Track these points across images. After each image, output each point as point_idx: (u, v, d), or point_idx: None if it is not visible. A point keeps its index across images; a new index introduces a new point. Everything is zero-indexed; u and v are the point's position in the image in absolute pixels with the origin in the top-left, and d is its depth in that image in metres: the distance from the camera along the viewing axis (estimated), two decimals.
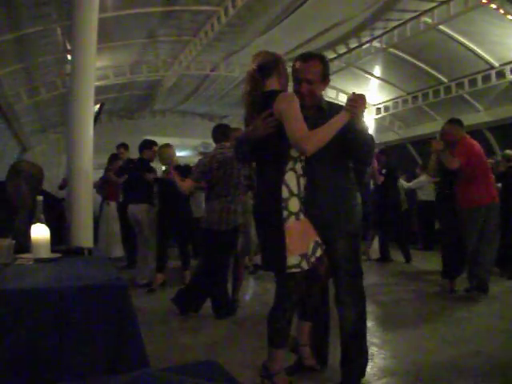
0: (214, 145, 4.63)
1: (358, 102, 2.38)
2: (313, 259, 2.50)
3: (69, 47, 5.82)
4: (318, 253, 2.52)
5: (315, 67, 2.57)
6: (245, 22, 6.81)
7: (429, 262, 7.87)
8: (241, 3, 6.01)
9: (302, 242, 2.45)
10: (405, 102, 9.53)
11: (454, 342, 3.58)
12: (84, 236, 3.58)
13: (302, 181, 2.50)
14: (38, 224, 2.23)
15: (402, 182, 9.10)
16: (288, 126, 2.33)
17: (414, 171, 9.62)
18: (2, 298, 1.56)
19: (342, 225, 2.63)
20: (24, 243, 2.28)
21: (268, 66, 2.50)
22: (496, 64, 7.43)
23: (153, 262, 5.74)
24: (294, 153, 2.45)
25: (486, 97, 8.31)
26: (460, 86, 8.18)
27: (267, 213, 2.49)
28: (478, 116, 8.65)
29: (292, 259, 2.42)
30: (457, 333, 3.80)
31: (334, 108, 2.63)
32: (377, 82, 9.40)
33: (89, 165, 3.69)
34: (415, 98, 9.23)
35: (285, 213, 2.42)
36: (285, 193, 2.43)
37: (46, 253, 2.23)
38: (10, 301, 1.56)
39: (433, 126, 9.71)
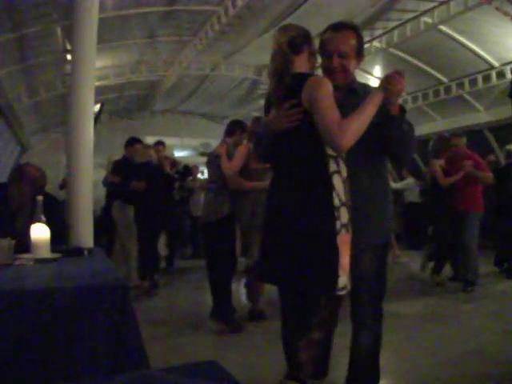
0: (213, 145, 4.65)
1: (395, 80, 2.02)
2: None
3: (69, 47, 5.83)
4: None
5: (349, 38, 2.17)
6: (245, 22, 6.81)
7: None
8: (241, 3, 6.01)
9: (348, 259, 2.08)
10: (405, 102, 9.51)
11: (454, 341, 3.57)
12: (84, 236, 3.58)
13: (347, 186, 2.08)
14: (38, 224, 2.23)
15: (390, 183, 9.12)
16: (321, 118, 1.95)
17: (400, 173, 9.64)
18: (2, 297, 1.55)
19: (373, 233, 2.24)
20: (24, 243, 2.28)
21: (300, 40, 2.10)
22: (496, 64, 7.43)
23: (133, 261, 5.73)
24: (331, 151, 2.04)
25: (486, 97, 8.31)
26: (460, 86, 8.18)
27: (316, 224, 2.04)
28: (478, 116, 8.65)
29: (343, 279, 2.04)
30: (457, 333, 3.80)
31: (369, 91, 2.22)
32: (377, 82, 9.39)
33: (89, 165, 3.69)
34: (415, 98, 9.22)
35: (337, 224, 2.02)
36: (336, 201, 2.02)
37: (46, 253, 2.23)
38: (10, 301, 1.56)
39: (433, 125, 9.71)
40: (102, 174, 7.44)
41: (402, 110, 2.12)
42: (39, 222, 2.23)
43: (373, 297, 2.29)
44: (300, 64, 2.10)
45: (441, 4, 6.28)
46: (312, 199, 2.04)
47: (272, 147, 2.18)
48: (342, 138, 1.90)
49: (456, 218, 5.29)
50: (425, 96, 8.98)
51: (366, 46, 7.76)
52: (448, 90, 8.44)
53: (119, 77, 8.63)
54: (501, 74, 7.44)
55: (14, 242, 2.19)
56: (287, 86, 2.05)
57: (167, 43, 8.04)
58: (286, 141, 2.11)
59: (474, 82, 7.90)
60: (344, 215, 2.04)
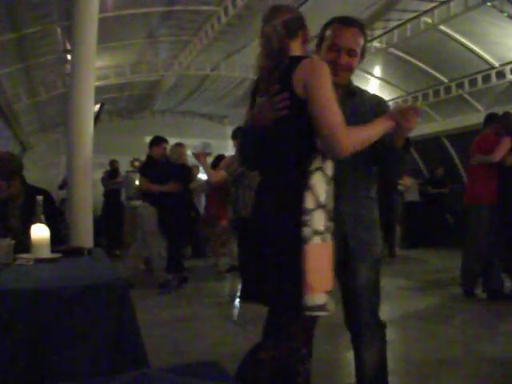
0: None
1: (411, 118, 1.76)
2: None
3: (69, 47, 5.83)
4: None
5: (359, 37, 1.99)
6: (245, 22, 6.81)
7: (422, 261, 7.94)
8: (241, 3, 6.01)
9: (329, 274, 1.74)
10: (405, 102, 9.52)
11: (454, 342, 3.57)
12: (84, 236, 3.59)
13: (331, 187, 1.77)
14: (38, 224, 2.23)
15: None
16: (324, 113, 1.65)
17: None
18: (2, 297, 1.55)
19: (368, 247, 2.09)
20: (21, 241, 2.27)
21: (295, 24, 1.80)
22: (496, 64, 7.43)
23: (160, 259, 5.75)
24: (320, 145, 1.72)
25: (486, 97, 8.31)
26: (460, 86, 8.18)
27: (279, 230, 1.72)
28: (478, 116, 8.64)
29: (316, 298, 1.68)
30: (457, 333, 3.80)
31: (367, 96, 2.11)
32: (377, 81, 9.40)
33: (89, 165, 3.69)
34: (415, 98, 9.23)
35: (307, 230, 1.67)
36: (310, 202, 1.69)
37: (46, 253, 2.23)
38: (10, 301, 1.56)
39: (433, 126, 9.71)
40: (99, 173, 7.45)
41: (408, 143, 1.95)
42: (39, 222, 2.23)
43: (371, 310, 2.14)
44: (294, 51, 1.81)
45: (441, 4, 6.28)
46: (281, 201, 1.73)
47: (256, 145, 1.82)
48: (346, 143, 1.64)
49: None
50: (425, 96, 8.98)
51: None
52: (448, 90, 8.44)
53: (119, 77, 8.62)
54: (501, 74, 7.44)
55: (13, 241, 2.20)
56: (282, 71, 1.74)
57: (167, 43, 8.04)
58: (270, 135, 1.77)
59: (473, 82, 7.90)
60: (319, 220, 1.70)
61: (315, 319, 1.81)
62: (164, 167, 5.76)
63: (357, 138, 1.69)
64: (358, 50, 1.99)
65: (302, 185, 1.70)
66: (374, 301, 2.15)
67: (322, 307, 1.70)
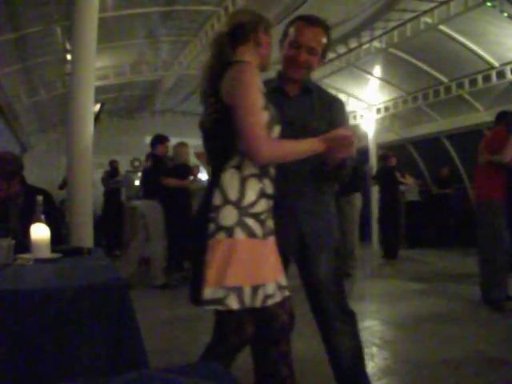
0: None
1: (343, 145, 1.78)
2: (260, 302, 1.75)
3: (69, 47, 5.84)
4: (278, 297, 1.80)
5: (322, 36, 2.04)
6: None
7: (422, 261, 7.93)
8: (241, 3, 6.01)
9: (236, 271, 1.71)
10: (405, 102, 9.53)
11: (454, 341, 3.57)
12: (84, 236, 3.59)
13: (254, 184, 1.77)
14: (38, 224, 2.23)
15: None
16: (242, 119, 1.68)
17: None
18: (2, 297, 1.55)
19: (324, 237, 2.13)
20: (21, 241, 2.27)
21: (244, 29, 1.78)
22: (496, 64, 7.43)
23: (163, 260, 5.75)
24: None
25: (486, 97, 8.31)
26: (460, 85, 8.19)
27: (192, 227, 1.89)
28: (477, 116, 8.65)
29: (212, 291, 1.72)
30: (457, 332, 3.80)
31: (324, 96, 2.16)
32: (377, 82, 9.41)
33: (89, 165, 3.69)
34: (415, 98, 9.23)
35: (211, 226, 1.72)
36: (217, 199, 1.74)
37: (46, 253, 2.23)
38: (10, 301, 1.56)
39: (433, 126, 9.70)
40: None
41: (343, 163, 1.96)
42: (39, 222, 2.23)
43: (338, 300, 2.16)
44: (242, 54, 1.80)
45: (441, 4, 6.28)
46: (201, 199, 1.87)
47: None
48: (264, 153, 1.68)
49: None
50: (425, 96, 8.98)
51: (365, 46, 7.78)
52: (448, 90, 8.44)
53: (119, 77, 8.63)
54: (501, 74, 7.44)
55: (13, 241, 2.19)
56: (214, 75, 1.79)
57: (167, 43, 8.04)
58: (206, 137, 1.93)
59: (473, 82, 7.90)
60: (226, 216, 1.72)
61: (229, 314, 1.79)
62: (168, 165, 5.88)
63: (278, 151, 1.74)
64: (319, 49, 2.04)
65: (212, 182, 1.79)
66: (338, 291, 2.17)
67: (218, 301, 1.73)
